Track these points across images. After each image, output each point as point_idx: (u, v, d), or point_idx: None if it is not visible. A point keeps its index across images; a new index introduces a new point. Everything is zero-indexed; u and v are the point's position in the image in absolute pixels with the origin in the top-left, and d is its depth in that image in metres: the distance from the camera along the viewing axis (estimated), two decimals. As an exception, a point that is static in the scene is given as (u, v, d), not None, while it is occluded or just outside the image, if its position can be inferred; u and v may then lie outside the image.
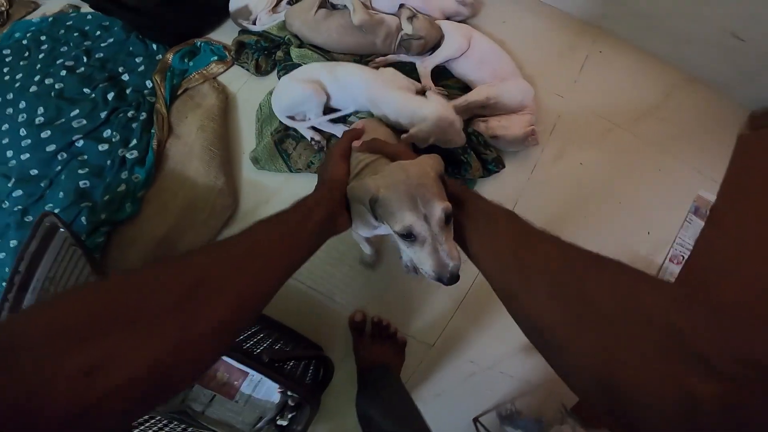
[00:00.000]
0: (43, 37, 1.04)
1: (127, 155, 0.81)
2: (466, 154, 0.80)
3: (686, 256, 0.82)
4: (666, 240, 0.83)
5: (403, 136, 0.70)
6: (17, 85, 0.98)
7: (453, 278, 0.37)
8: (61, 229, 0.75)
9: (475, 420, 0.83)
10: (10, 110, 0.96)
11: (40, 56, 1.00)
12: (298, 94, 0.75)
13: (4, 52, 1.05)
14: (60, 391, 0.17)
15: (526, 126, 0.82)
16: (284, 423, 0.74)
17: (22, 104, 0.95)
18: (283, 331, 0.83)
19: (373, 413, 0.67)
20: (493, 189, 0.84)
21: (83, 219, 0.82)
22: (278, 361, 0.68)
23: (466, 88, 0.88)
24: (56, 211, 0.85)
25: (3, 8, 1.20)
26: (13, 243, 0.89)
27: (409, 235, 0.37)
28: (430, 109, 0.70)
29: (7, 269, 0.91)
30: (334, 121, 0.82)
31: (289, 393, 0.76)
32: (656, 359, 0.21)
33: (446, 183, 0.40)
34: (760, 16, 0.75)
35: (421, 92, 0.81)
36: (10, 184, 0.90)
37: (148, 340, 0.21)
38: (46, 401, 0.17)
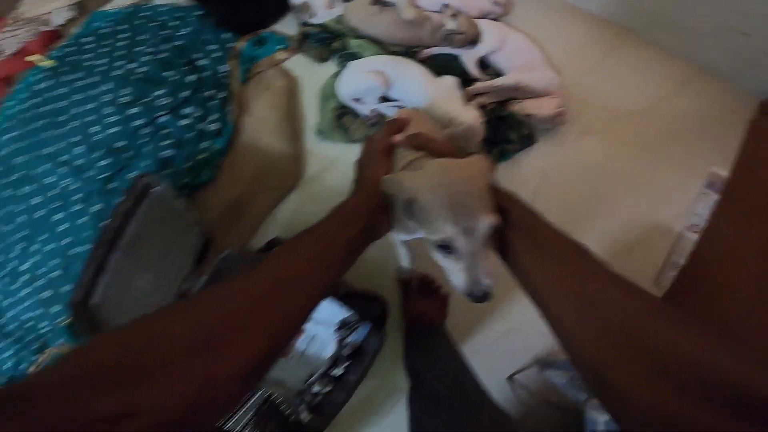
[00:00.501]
0: (121, 27, 1.18)
1: (207, 128, 0.94)
2: (510, 131, 0.93)
3: (702, 225, 0.92)
4: (683, 211, 0.94)
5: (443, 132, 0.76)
6: (100, 69, 1.12)
7: (485, 297, 0.34)
8: (153, 190, 0.87)
9: (511, 377, 0.92)
10: (93, 92, 1.10)
11: (121, 44, 1.14)
12: (366, 83, 0.89)
13: (85, 39, 1.19)
14: None
15: (555, 107, 0.94)
16: (339, 372, 0.82)
17: (106, 86, 1.08)
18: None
19: (420, 364, 0.73)
20: (526, 162, 0.96)
21: (166, 183, 0.94)
22: (348, 296, 0.78)
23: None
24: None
25: (79, -1, 1.35)
26: (95, 208, 1.01)
27: (446, 247, 0.34)
28: (468, 117, 0.83)
29: (86, 233, 1.03)
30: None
31: (345, 342, 0.84)
32: (653, 378, 0.23)
33: (497, 191, 0.36)
34: (759, 12, 0.87)
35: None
36: (95, 155, 1.03)
37: (171, 386, 0.22)
38: None
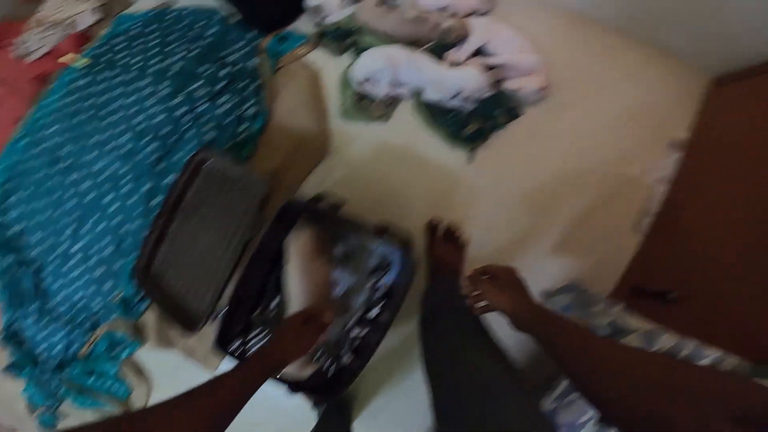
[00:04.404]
0: (150, 27, 1.42)
1: (245, 112, 1.21)
2: (497, 110, 1.23)
3: (669, 177, 1.23)
4: (651, 166, 1.24)
5: None
6: (136, 66, 1.36)
7: None
8: (207, 163, 1.12)
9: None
10: (132, 87, 1.35)
11: (152, 43, 1.39)
12: (378, 63, 1.17)
13: (116, 40, 1.43)
14: None
15: (540, 84, 1.24)
16: (375, 313, 1.01)
17: (145, 81, 1.33)
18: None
19: (436, 317, 0.88)
20: (515, 131, 1.26)
21: (210, 161, 1.20)
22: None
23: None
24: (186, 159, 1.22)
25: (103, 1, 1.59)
26: (145, 188, 1.25)
27: None
28: (474, 72, 1.16)
29: (137, 210, 1.26)
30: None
31: (377, 285, 1.06)
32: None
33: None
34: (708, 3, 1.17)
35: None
36: (142, 141, 1.27)
37: None
38: None
